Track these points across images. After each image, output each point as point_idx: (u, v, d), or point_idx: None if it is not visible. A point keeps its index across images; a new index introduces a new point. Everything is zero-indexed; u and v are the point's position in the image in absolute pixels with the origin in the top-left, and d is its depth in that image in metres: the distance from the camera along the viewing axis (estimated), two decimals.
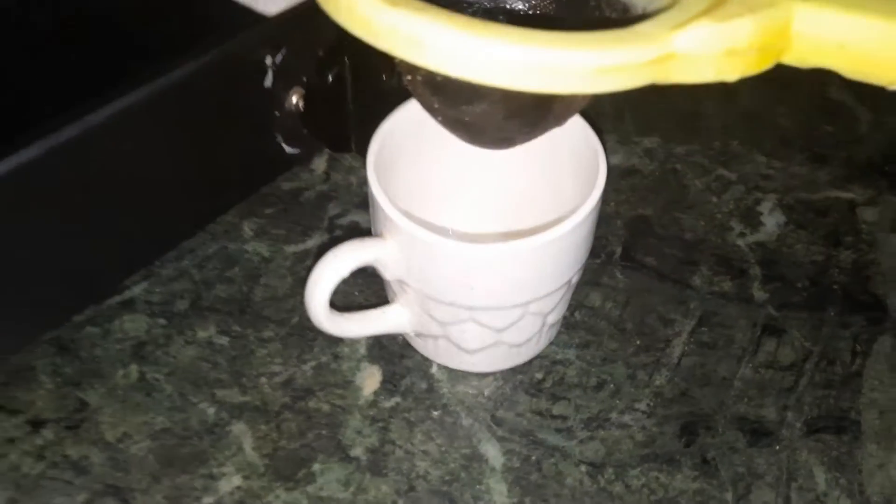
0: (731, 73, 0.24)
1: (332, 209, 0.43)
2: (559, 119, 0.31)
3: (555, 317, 0.35)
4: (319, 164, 0.44)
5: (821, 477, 0.33)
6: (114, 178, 0.34)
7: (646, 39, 0.23)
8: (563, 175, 0.36)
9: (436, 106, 0.30)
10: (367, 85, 0.37)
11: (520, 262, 0.31)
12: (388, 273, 0.33)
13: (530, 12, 0.31)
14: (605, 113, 0.48)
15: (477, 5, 0.30)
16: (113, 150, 0.33)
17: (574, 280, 0.34)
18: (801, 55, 0.25)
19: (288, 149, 0.40)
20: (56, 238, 0.33)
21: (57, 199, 0.32)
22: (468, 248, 0.30)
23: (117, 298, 0.38)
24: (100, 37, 0.36)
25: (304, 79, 0.37)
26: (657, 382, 0.36)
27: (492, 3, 0.30)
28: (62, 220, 0.33)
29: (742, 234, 0.42)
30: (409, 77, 0.29)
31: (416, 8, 0.23)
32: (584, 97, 0.30)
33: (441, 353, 0.36)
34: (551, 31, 0.23)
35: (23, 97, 0.33)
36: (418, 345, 0.36)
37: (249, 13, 0.35)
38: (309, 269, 0.39)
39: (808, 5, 0.24)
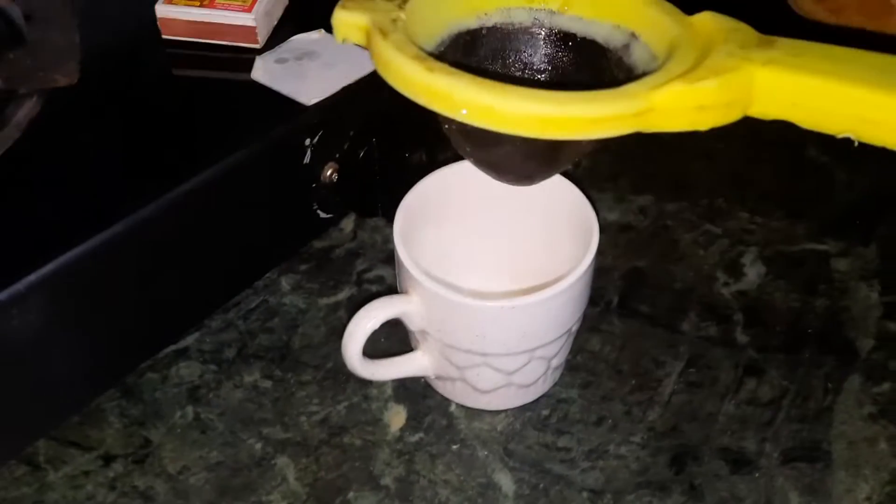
0: (703, 124, 0.30)
1: (360, 265, 0.48)
2: (570, 159, 0.37)
3: (558, 360, 0.40)
4: (348, 224, 0.50)
5: (795, 501, 0.38)
6: (177, 250, 0.39)
7: (631, 97, 0.29)
8: (563, 239, 0.41)
9: (467, 149, 0.36)
10: (391, 160, 0.42)
11: (526, 315, 0.36)
12: (413, 325, 0.38)
13: (553, 73, 0.37)
14: (603, 174, 0.53)
15: (507, 67, 0.37)
16: (179, 226, 0.38)
17: (574, 328, 0.39)
18: (762, 110, 0.30)
19: (322, 215, 0.45)
20: (128, 304, 0.39)
21: (130, 272, 0.38)
22: (481, 304, 0.35)
23: (173, 347, 0.44)
24: (163, 125, 0.41)
25: (338, 155, 0.43)
26: (650, 418, 0.41)
27: (520, 68, 0.37)
28: (131, 287, 0.39)
29: (727, 284, 0.47)
30: (446, 126, 0.35)
31: (448, 72, 0.29)
32: (588, 141, 0.36)
33: (458, 394, 0.41)
34: (558, 90, 0.29)
35: (84, 185, 0.38)
36: (438, 386, 0.41)
37: (292, 104, 0.41)
38: (340, 319, 0.45)
39: (766, 70, 0.29)
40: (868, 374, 0.42)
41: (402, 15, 0.32)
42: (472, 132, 0.30)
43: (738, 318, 0.45)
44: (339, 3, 0.33)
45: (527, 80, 0.37)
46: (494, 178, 0.37)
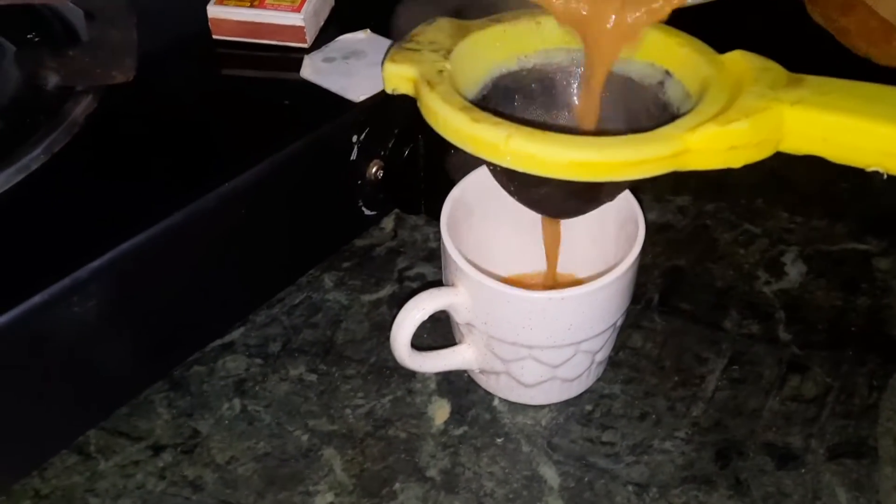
0: (736, 162, 0.31)
1: (401, 263, 0.48)
2: (609, 196, 0.38)
3: (602, 355, 0.40)
4: (388, 223, 0.50)
5: (843, 496, 0.38)
6: (225, 247, 0.40)
7: (667, 140, 0.31)
8: (608, 235, 0.41)
9: (511, 189, 0.37)
10: (436, 158, 0.43)
11: (573, 307, 0.36)
12: (459, 317, 0.38)
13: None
14: None
15: (548, 106, 0.39)
16: (226, 224, 0.39)
17: (619, 323, 0.39)
18: (793, 146, 0.32)
19: (367, 212, 0.46)
20: (178, 297, 0.39)
21: (177, 266, 0.39)
22: (529, 294, 0.36)
23: (219, 342, 0.44)
24: (219, 122, 0.42)
25: (383, 153, 0.44)
26: (694, 413, 0.41)
27: (561, 105, 0.39)
28: (181, 282, 0.39)
29: (768, 283, 0.47)
30: (491, 167, 0.37)
31: (492, 122, 0.31)
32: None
33: (502, 388, 0.41)
34: (597, 136, 0.31)
35: (141, 181, 0.39)
36: (481, 381, 0.42)
37: (340, 102, 0.42)
38: (383, 315, 0.46)
39: (795, 110, 0.31)
40: None
41: (448, 65, 0.34)
42: (516, 174, 0.32)
43: (779, 315, 0.45)
44: (388, 55, 0.35)
45: (566, 126, 0.39)
46: (536, 212, 0.39)
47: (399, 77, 0.34)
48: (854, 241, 0.49)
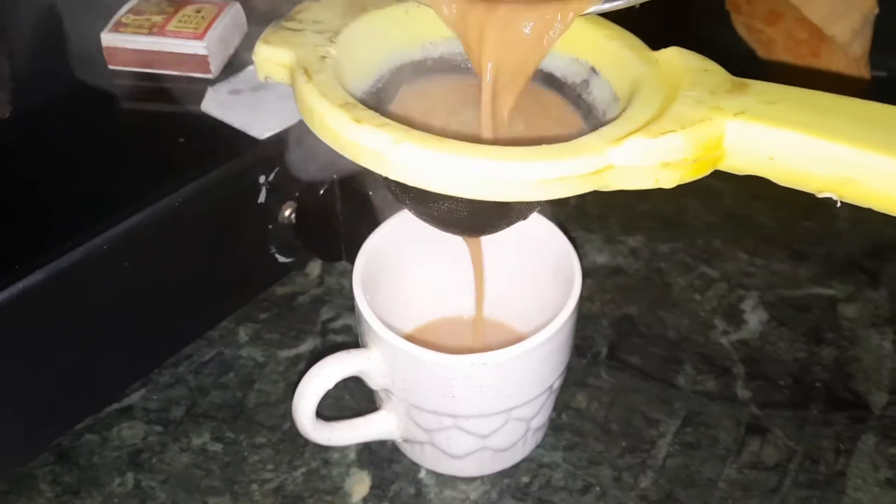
0: (668, 181, 0.26)
1: (326, 313, 0.44)
2: (522, 215, 0.33)
3: (539, 421, 0.36)
4: (314, 268, 0.46)
5: None
6: (117, 297, 0.36)
7: (585, 153, 0.25)
8: (544, 284, 0.37)
9: (407, 202, 0.32)
10: (355, 199, 0.39)
11: (500, 371, 0.32)
12: (374, 383, 0.34)
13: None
14: (591, 213, 0.49)
15: (453, 105, 0.32)
16: (117, 271, 0.35)
17: (557, 384, 0.35)
18: (735, 165, 0.26)
19: (281, 259, 0.42)
20: (61, 354, 0.35)
21: (62, 318, 0.34)
22: (449, 359, 0.31)
23: (115, 406, 0.40)
24: (104, 160, 0.38)
25: (297, 193, 0.39)
26: (643, 485, 0.37)
27: (469, 103, 0.32)
28: (67, 338, 0.35)
29: (725, 332, 0.43)
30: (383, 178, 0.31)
31: (377, 123, 0.26)
32: None
33: (428, 459, 0.36)
34: (498, 145, 0.26)
35: (36, 218, 0.35)
36: (406, 449, 0.37)
37: (246, 138, 0.37)
38: (301, 374, 0.41)
39: (739, 120, 0.26)
40: (883, 433, 0.38)
41: (333, 50, 0.29)
42: (410, 186, 0.27)
43: (738, 370, 0.41)
44: (262, 35, 0.30)
45: (473, 133, 0.33)
46: (439, 229, 0.33)
47: (272, 62, 0.29)
48: (818, 285, 0.45)
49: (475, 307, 0.38)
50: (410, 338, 0.39)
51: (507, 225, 0.33)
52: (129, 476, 0.37)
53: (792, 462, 0.37)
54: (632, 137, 0.25)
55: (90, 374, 0.37)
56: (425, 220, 0.33)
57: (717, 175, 0.29)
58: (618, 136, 0.26)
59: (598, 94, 0.31)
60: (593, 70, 0.31)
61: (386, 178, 0.30)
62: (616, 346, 0.42)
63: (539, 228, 0.37)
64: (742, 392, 0.40)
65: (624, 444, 0.38)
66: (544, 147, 0.26)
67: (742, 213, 0.50)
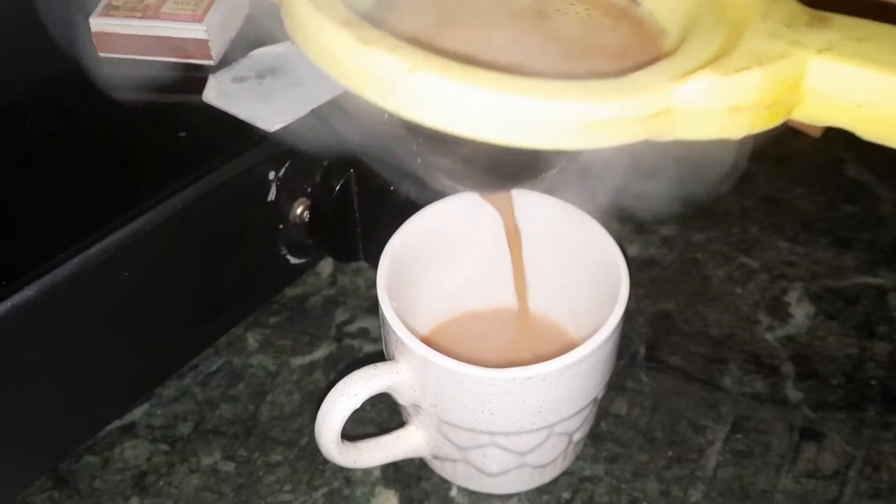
0: (737, 130, 0.22)
1: (340, 315, 0.41)
2: (552, 167, 0.29)
3: (581, 434, 0.33)
4: (325, 267, 0.43)
5: None
6: (116, 309, 0.32)
7: (644, 91, 0.21)
8: (583, 285, 0.34)
9: (415, 147, 0.28)
10: (373, 194, 0.36)
11: (543, 386, 0.29)
12: (403, 399, 0.31)
13: (536, 39, 0.27)
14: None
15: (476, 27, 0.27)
16: (115, 282, 0.31)
17: (601, 395, 0.32)
18: (814, 113, 0.23)
19: (293, 260, 0.38)
20: (57, 372, 0.32)
21: (56, 335, 0.31)
22: (489, 374, 0.28)
23: (117, 423, 0.36)
24: (96, 160, 0.34)
25: (309, 190, 0.36)
26: (693, 499, 0.34)
27: (496, 25, 0.27)
28: (63, 355, 0.32)
29: (770, 328, 0.40)
30: (386, 115, 0.27)
31: (389, 46, 0.21)
32: None
33: (461, 476, 0.34)
34: (538, 77, 0.21)
35: (23, 227, 0.32)
36: (436, 466, 0.34)
37: (253, 130, 0.34)
38: (317, 383, 0.38)
39: (824, 58, 0.22)
40: None
41: None
42: (423, 128, 0.22)
43: (787, 369, 0.38)
44: None
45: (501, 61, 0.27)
46: (457, 182, 0.30)
47: None
48: (865, 274, 0.42)
49: (516, 294, 0.35)
50: (436, 334, 0.36)
51: (534, 179, 0.29)
52: (135, 501, 0.34)
53: (851, 469, 0.35)
54: (699, 74, 0.21)
55: (90, 392, 0.34)
56: (436, 171, 0.29)
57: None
58: (682, 72, 0.21)
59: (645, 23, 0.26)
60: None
61: (389, 117, 0.26)
62: (655, 346, 0.39)
63: (575, 222, 0.34)
64: (793, 393, 0.37)
65: (670, 453, 0.35)
66: (596, 82, 0.21)
67: (779, 197, 0.47)
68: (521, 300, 0.34)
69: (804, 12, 0.24)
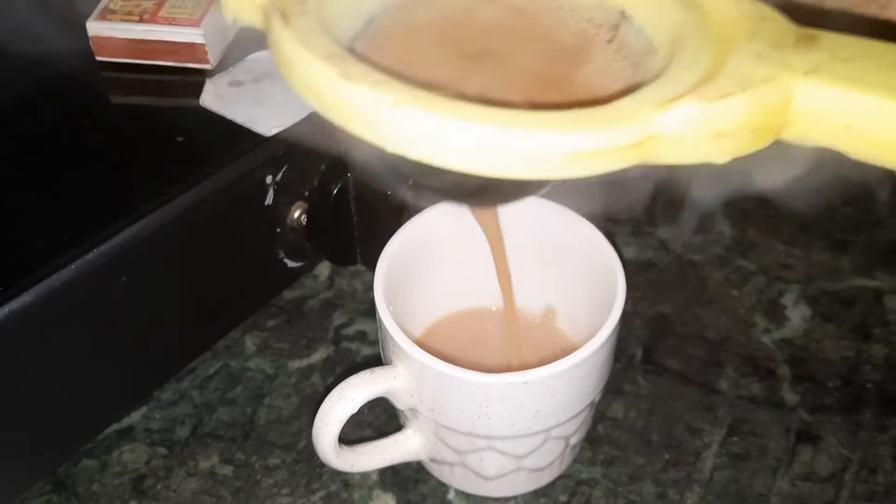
0: (722, 155, 0.22)
1: (338, 318, 0.41)
2: (538, 189, 0.29)
3: (578, 437, 0.33)
4: (323, 270, 0.43)
5: None
6: (113, 314, 0.32)
7: (626, 120, 0.21)
8: (581, 289, 0.34)
9: (407, 175, 0.28)
10: (370, 198, 0.36)
11: (540, 390, 0.29)
12: (400, 403, 0.31)
13: (524, 62, 0.27)
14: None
15: (460, 55, 0.27)
16: (112, 287, 0.31)
17: (598, 398, 0.32)
18: (802, 134, 0.22)
19: (291, 263, 0.38)
20: (54, 377, 0.32)
21: (53, 340, 0.31)
22: (483, 378, 0.28)
23: (115, 427, 0.37)
24: (93, 164, 0.34)
25: (307, 193, 0.36)
26: (689, 501, 0.34)
27: (478, 54, 0.27)
28: (61, 360, 0.32)
29: (767, 331, 0.40)
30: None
31: (373, 82, 0.21)
32: None
33: (458, 479, 0.34)
34: (519, 109, 0.21)
35: (21, 231, 0.32)
36: (434, 470, 0.34)
37: (250, 134, 0.34)
38: (315, 387, 0.38)
39: (810, 80, 0.22)
40: None
41: None
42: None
43: (783, 371, 0.38)
44: None
45: (484, 91, 0.27)
46: (444, 200, 0.30)
47: (241, 1, 0.25)
48: (862, 276, 0.43)
49: (501, 293, 0.35)
50: (432, 333, 0.36)
51: (521, 199, 0.29)
52: None
53: (847, 472, 0.35)
54: (682, 101, 0.21)
55: (88, 396, 0.34)
56: (426, 192, 0.29)
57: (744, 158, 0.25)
58: (665, 99, 0.21)
59: (629, 45, 0.26)
60: (623, 15, 0.26)
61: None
62: (652, 349, 0.39)
63: (572, 226, 0.34)
64: (789, 396, 0.37)
65: (667, 456, 0.35)
66: (577, 112, 0.21)
67: (775, 199, 0.47)
68: (508, 304, 0.34)
69: (792, 32, 0.23)
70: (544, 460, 0.32)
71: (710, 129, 0.21)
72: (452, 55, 0.27)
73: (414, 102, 0.21)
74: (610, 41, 0.27)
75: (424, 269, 0.34)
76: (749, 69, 0.22)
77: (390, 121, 0.21)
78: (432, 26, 0.28)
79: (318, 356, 0.39)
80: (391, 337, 0.30)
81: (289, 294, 0.42)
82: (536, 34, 0.28)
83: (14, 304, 0.28)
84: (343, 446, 0.31)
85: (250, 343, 0.40)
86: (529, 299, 0.36)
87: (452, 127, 0.21)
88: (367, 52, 0.25)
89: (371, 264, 0.34)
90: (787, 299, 0.42)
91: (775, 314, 0.41)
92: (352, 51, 0.24)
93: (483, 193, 0.28)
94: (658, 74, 0.23)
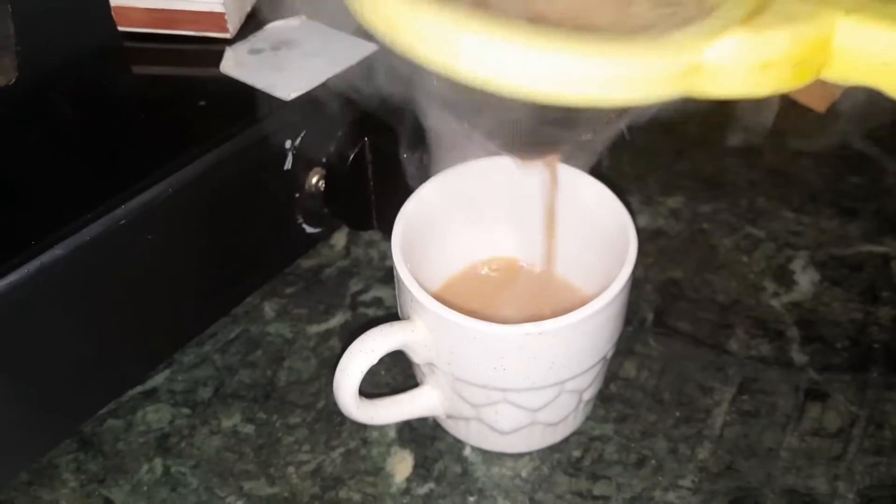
0: (764, 88, 0.23)
1: (354, 285, 0.42)
2: (591, 127, 0.30)
3: (591, 392, 0.34)
4: (339, 239, 0.44)
5: None
6: (137, 274, 0.33)
7: (678, 48, 0.22)
8: (592, 247, 0.35)
9: (462, 110, 0.29)
10: (387, 163, 0.36)
11: (555, 341, 0.30)
12: (418, 357, 0.32)
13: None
14: (627, 174, 0.47)
15: None
16: (135, 245, 0.32)
17: (610, 354, 0.33)
18: (842, 72, 0.23)
19: (309, 229, 0.39)
20: (80, 336, 0.33)
21: (79, 298, 0.32)
22: (501, 329, 0.29)
23: (139, 388, 0.38)
24: (118, 128, 0.35)
25: (324, 159, 0.37)
26: (700, 456, 0.35)
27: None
28: (86, 318, 0.33)
29: (776, 294, 0.41)
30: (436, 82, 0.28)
31: (437, 5, 0.22)
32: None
33: (473, 435, 0.34)
34: (578, 34, 0.22)
35: (51, 191, 0.33)
36: (450, 426, 0.35)
37: (270, 100, 0.35)
38: (333, 350, 0.39)
39: (852, 18, 0.23)
40: None
41: None
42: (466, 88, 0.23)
43: (792, 333, 0.39)
44: None
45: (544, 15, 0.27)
46: (496, 147, 0.31)
47: None
48: (870, 242, 0.43)
49: (545, 256, 0.36)
50: (447, 289, 0.37)
51: (572, 140, 0.30)
52: (158, 462, 0.35)
53: (855, 428, 0.35)
54: (729, 32, 0.22)
55: (111, 356, 0.35)
56: (481, 136, 0.30)
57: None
58: (712, 31, 0.22)
59: None
60: None
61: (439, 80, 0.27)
62: (663, 312, 0.40)
63: (585, 188, 0.35)
64: (798, 356, 0.38)
65: (678, 413, 0.36)
66: (630, 40, 0.22)
67: (785, 169, 0.47)
68: (549, 261, 0.35)
69: None
70: (558, 414, 0.33)
71: (755, 60, 0.22)
72: None
73: (477, 26, 0.22)
74: None
75: (440, 228, 0.35)
76: (793, 6, 0.23)
77: (453, 43, 0.22)
78: None
79: (335, 321, 0.40)
80: (409, 291, 0.30)
81: (306, 262, 0.43)
82: None
83: (43, 258, 0.29)
84: (363, 399, 0.32)
85: (269, 309, 0.41)
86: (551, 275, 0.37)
87: (514, 50, 0.21)
88: None
89: (387, 229, 0.35)
90: (796, 265, 0.42)
91: (784, 279, 0.42)
92: None
93: (531, 136, 0.29)
94: (711, 10, 0.24)
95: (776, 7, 0.23)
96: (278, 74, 0.36)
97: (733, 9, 0.23)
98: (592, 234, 0.35)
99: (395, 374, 0.38)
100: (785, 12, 0.23)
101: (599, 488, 0.34)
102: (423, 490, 0.34)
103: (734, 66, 0.22)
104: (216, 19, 0.38)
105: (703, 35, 0.22)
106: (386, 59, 0.32)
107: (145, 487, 0.34)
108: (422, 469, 0.35)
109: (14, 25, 0.33)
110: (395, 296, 0.40)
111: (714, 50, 0.22)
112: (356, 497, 0.34)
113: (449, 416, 0.34)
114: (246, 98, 0.35)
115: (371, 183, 0.37)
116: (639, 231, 0.43)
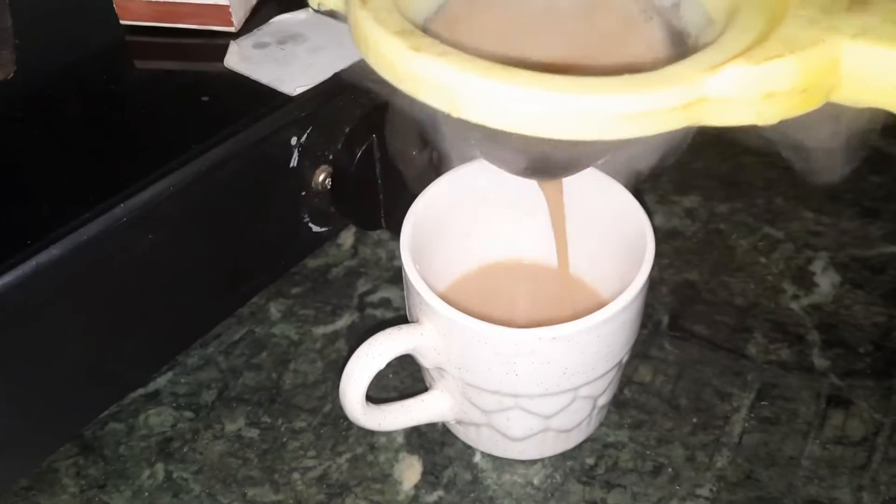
0: (773, 116, 0.23)
1: (362, 286, 0.41)
2: (595, 159, 0.30)
3: (606, 398, 0.33)
4: (346, 238, 0.43)
5: None
6: (139, 274, 0.32)
7: (676, 83, 0.22)
8: (607, 250, 0.34)
9: (472, 141, 0.29)
10: (396, 161, 0.35)
11: (569, 346, 0.29)
12: (427, 361, 0.31)
13: (584, 40, 0.29)
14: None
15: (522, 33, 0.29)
16: (137, 244, 0.31)
17: (626, 359, 0.32)
18: (852, 95, 0.23)
19: (315, 228, 0.38)
20: (81, 338, 0.32)
21: (79, 298, 0.31)
22: (513, 333, 0.28)
23: (141, 391, 0.37)
24: (119, 124, 0.34)
25: (331, 157, 0.36)
26: (719, 464, 0.34)
27: (542, 30, 0.30)
28: (87, 319, 0.32)
29: (796, 297, 0.40)
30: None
31: (438, 52, 0.23)
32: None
33: (484, 441, 0.33)
34: (576, 76, 0.22)
35: (50, 188, 0.32)
36: (459, 432, 0.34)
37: (275, 95, 0.34)
38: (340, 352, 0.38)
39: (858, 42, 0.22)
40: None
41: None
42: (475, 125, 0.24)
43: (813, 337, 0.38)
44: None
45: (543, 61, 0.29)
46: (508, 171, 0.31)
47: None
48: (892, 244, 0.42)
49: (557, 255, 0.35)
50: (455, 289, 0.36)
51: (576, 172, 0.30)
52: (160, 467, 0.34)
53: (880, 436, 0.34)
54: (731, 64, 0.22)
55: (113, 358, 0.34)
56: (492, 162, 0.31)
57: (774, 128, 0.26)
58: (715, 63, 0.22)
59: (690, 19, 0.27)
60: None
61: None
62: (678, 315, 0.39)
63: (600, 188, 0.33)
64: (819, 361, 0.37)
65: (695, 420, 0.35)
66: (630, 77, 0.22)
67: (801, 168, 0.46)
68: (562, 262, 0.34)
69: None
70: (572, 421, 0.32)
71: (758, 90, 0.22)
72: (516, 32, 0.29)
73: (475, 70, 0.22)
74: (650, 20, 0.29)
75: (450, 227, 0.34)
76: (798, 33, 0.23)
77: (452, 88, 0.23)
78: (497, 7, 0.30)
79: (342, 322, 0.39)
80: (418, 294, 0.29)
81: (313, 262, 0.42)
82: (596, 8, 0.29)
83: (41, 258, 0.28)
84: (370, 404, 0.31)
85: (275, 310, 0.40)
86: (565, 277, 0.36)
87: (511, 92, 0.22)
88: (437, 30, 0.27)
89: (396, 228, 0.34)
90: (816, 266, 0.41)
91: (804, 281, 0.40)
92: (424, 29, 0.26)
93: (544, 164, 0.29)
94: (711, 43, 0.24)
95: (780, 34, 0.23)
96: (284, 69, 0.35)
97: (737, 38, 0.23)
98: (607, 234, 0.33)
99: (404, 377, 0.37)
100: (789, 39, 0.23)
101: (614, 497, 0.33)
102: (431, 498, 0.33)
103: (737, 96, 0.22)
104: (220, 12, 0.37)
105: (704, 67, 0.22)
106: None
107: (146, 493, 0.33)
108: (431, 476, 0.34)
109: (13, 19, 0.32)
110: (403, 297, 0.39)
111: (715, 82, 0.22)
112: None
113: (459, 422, 0.33)
114: (250, 93, 0.34)
115: (379, 181, 0.36)
116: (654, 231, 0.43)
